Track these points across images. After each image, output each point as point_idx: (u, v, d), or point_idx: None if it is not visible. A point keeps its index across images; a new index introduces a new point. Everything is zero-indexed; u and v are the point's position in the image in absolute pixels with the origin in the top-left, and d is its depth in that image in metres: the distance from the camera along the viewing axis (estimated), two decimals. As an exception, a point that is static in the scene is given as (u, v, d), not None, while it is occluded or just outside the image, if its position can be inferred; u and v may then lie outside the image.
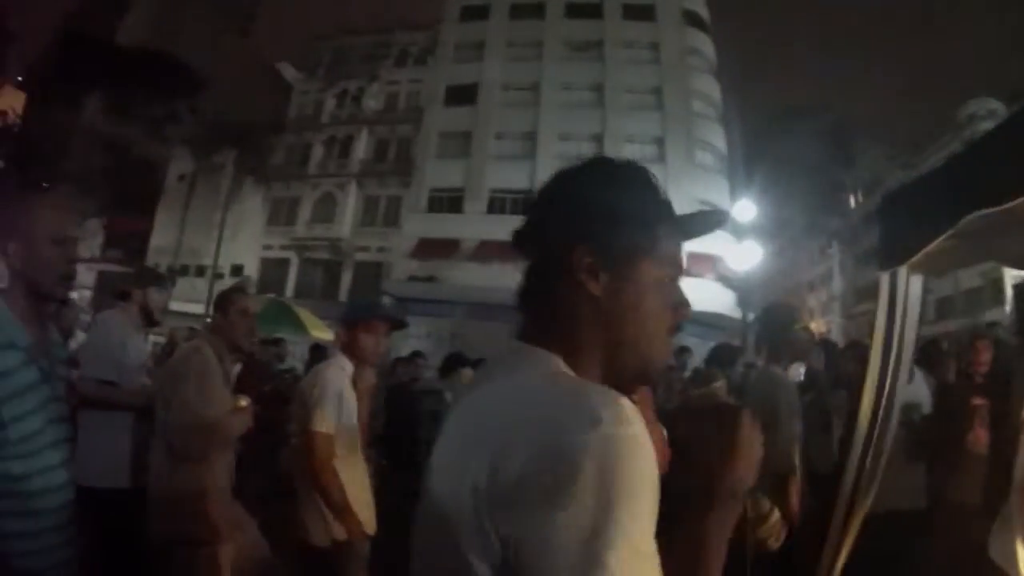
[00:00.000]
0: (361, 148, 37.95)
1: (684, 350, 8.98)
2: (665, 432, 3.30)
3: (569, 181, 1.16)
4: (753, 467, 1.13)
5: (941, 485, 4.68)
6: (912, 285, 2.88)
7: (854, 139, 39.80)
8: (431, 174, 34.85)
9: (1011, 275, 23.53)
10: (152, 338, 8.89)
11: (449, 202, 34.09)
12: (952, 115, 41.42)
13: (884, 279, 2.93)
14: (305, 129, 39.69)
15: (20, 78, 40.92)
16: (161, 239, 39.92)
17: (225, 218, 35.75)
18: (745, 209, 19.73)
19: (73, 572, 2.19)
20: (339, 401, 3.49)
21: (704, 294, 23.91)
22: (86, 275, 32.83)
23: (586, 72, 35.21)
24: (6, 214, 2.21)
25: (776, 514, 3.82)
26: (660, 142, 33.09)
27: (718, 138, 34.87)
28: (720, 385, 4.56)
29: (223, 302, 3.69)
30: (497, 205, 32.71)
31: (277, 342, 10.17)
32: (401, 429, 6.83)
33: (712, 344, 7.67)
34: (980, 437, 4.60)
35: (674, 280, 1.16)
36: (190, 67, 39.57)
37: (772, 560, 3.56)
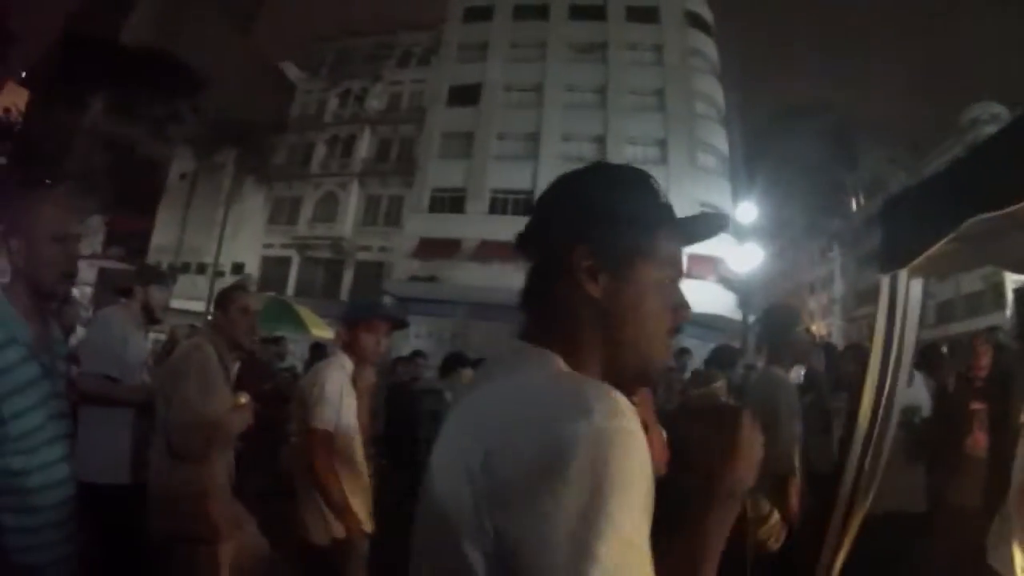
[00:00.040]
0: (363, 148, 37.93)
1: (684, 351, 8.98)
2: (665, 433, 3.31)
3: (570, 184, 1.18)
4: (753, 467, 1.13)
5: (940, 487, 4.70)
6: (913, 288, 2.88)
7: (856, 140, 39.70)
8: (433, 174, 34.84)
9: (1012, 279, 23.51)
10: (152, 335, 8.91)
11: (451, 202, 34.08)
12: (955, 118, 41.42)
13: (885, 282, 2.93)
14: (308, 128, 39.68)
15: (23, 74, 40.98)
16: (162, 237, 39.95)
17: (226, 216, 35.74)
18: (747, 211, 19.74)
19: (73, 568, 2.20)
20: (339, 400, 3.49)
21: (705, 296, 23.89)
22: (87, 272, 32.82)
23: (589, 73, 35.19)
24: (8, 211, 2.22)
25: (776, 515, 3.82)
26: (662, 144, 33.07)
27: (720, 140, 34.85)
28: (720, 385, 4.56)
29: (224, 300, 3.69)
30: (499, 205, 32.74)
31: (277, 340, 10.18)
32: (401, 428, 6.84)
33: (712, 346, 7.68)
34: (979, 440, 4.62)
35: (674, 282, 1.17)
36: (192, 67, 39.61)
37: (772, 561, 3.56)
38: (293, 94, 42.21)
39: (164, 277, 4.44)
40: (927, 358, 5.33)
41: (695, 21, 36.99)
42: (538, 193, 1.21)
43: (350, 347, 3.72)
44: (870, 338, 3.03)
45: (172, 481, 3.24)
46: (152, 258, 35.45)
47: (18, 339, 2.06)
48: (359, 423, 3.69)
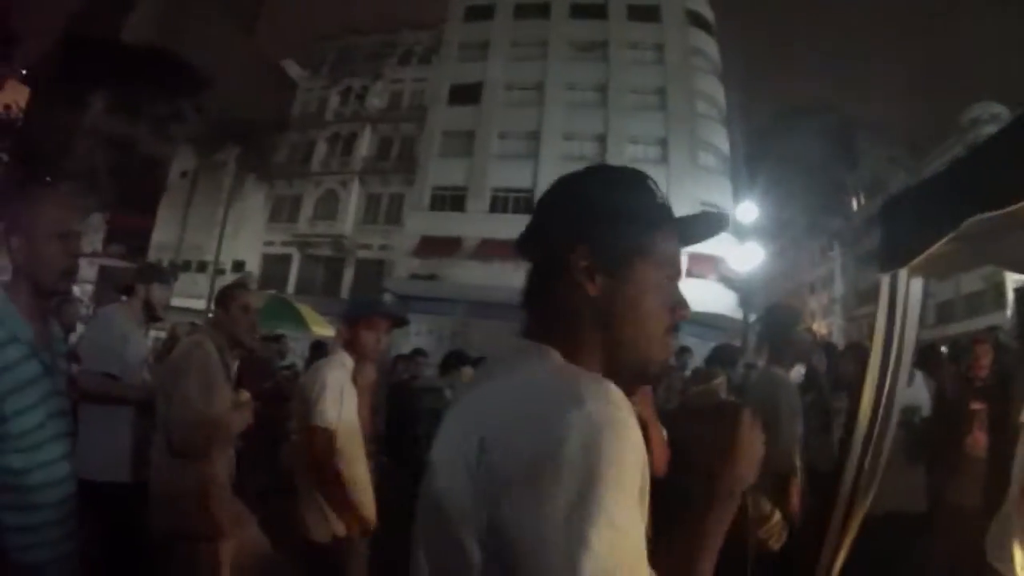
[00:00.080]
0: (364, 146, 37.93)
1: (685, 350, 8.98)
2: (665, 433, 3.31)
3: (568, 185, 1.19)
4: (754, 465, 1.14)
5: (940, 487, 4.70)
6: (913, 287, 2.88)
7: (857, 140, 39.65)
8: (434, 172, 34.86)
9: (1012, 279, 23.52)
10: (153, 333, 8.91)
11: (452, 200, 34.10)
12: (955, 118, 41.37)
13: (885, 281, 2.93)
14: (309, 126, 39.67)
15: (24, 72, 40.94)
16: (163, 235, 39.96)
17: (227, 214, 35.72)
18: (747, 210, 19.73)
19: (73, 566, 2.20)
20: (340, 397, 3.49)
21: (705, 295, 23.92)
22: (88, 270, 32.89)
23: (590, 72, 35.19)
24: (9, 209, 2.22)
25: (777, 515, 3.82)
26: (663, 143, 33.06)
27: (721, 139, 34.85)
28: (720, 382, 4.56)
29: (224, 298, 3.69)
30: (499, 204, 32.78)
31: (278, 338, 10.19)
32: (401, 426, 6.84)
33: (713, 344, 7.67)
34: (979, 440, 4.62)
35: (673, 281, 1.18)
36: (194, 65, 39.52)
37: (773, 560, 3.57)
38: (294, 92, 42.23)
39: (166, 275, 4.44)
40: (927, 358, 5.33)
41: (696, 20, 36.98)
42: (539, 192, 1.22)
43: (351, 345, 3.72)
44: (870, 337, 3.03)
45: (173, 479, 3.24)
46: (153, 256, 35.47)
47: (19, 337, 2.06)
48: (360, 421, 3.69)
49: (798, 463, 4.02)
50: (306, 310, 14.64)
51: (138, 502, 3.34)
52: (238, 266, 36.54)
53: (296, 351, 12.28)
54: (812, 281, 61.16)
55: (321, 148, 38.75)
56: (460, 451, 0.96)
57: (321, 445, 3.39)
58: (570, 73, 35.21)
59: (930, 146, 42.49)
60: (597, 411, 0.89)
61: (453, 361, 7.58)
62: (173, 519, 3.21)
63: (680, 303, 1.17)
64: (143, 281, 4.21)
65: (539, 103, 34.88)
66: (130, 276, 4.36)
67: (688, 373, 7.09)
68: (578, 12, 36.72)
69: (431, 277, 31.01)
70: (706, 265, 26.40)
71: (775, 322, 4.51)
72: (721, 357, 6.59)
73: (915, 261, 2.69)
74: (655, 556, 0.94)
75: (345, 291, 33.73)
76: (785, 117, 38.69)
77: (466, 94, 35.77)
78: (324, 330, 13.40)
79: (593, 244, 1.10)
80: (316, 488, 3.42)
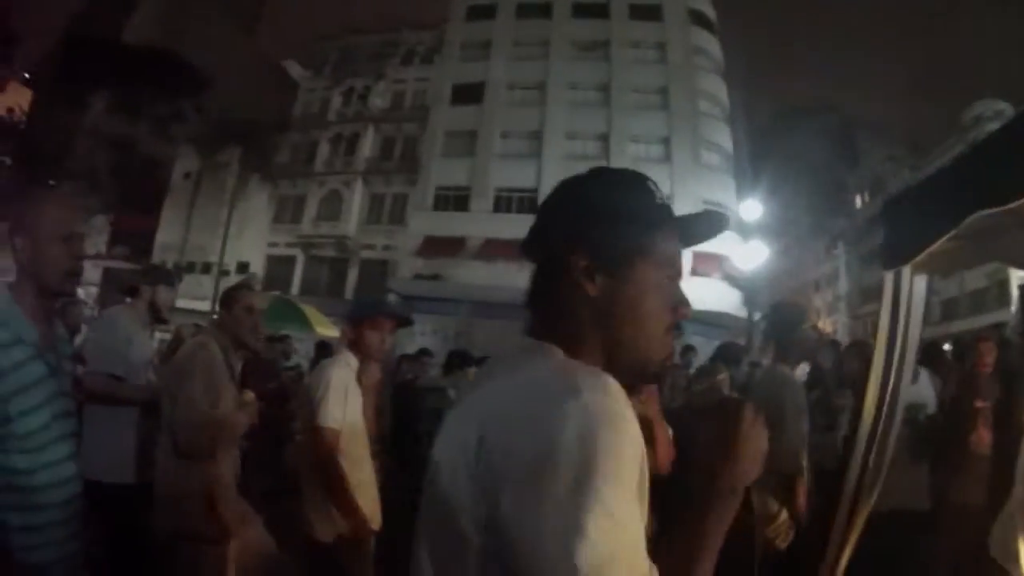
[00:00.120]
0: (367, 146, 37.90)
1: (689, 349, 8.99)
2: (671, 431, 3.31)
3: (569, 188, 1.22)
4: (756, 461, 1.14)
5: (944, 485, 4.69)
6: (916, 285, 2.88)
7: (860, 139, 39.66)
8: (437, 172, 34.83)
9: (1017, 276, 23.51)
10: (158, 335, 8.92)
11: (455, 200, 34.06)
12: (958, 116, 41.33)
13: (888, 278, 2.93)
14: (311, 127, 39.66)
15: (27, 75, 41.03)
16: (167, 236, 39.93)
17: (231, 215, 35.74)
18: (751, 208, 19.69)
19: (78, 566, 2.21)
20: (344, 397, 3.49)
21: (710, 293, 23.89)
22: (92, 271, 32.87)
23: (592, 72, 35.15)
24: (13, 211, 2.23)
25: (784, 514, 3.82)
26: (666, 142, 33.01)
27: (724, 138, 34.76)
28: (723, 378, 4.56)
29: (228, 299, 3.69)
30: (503, 204, 32.74)
31: (283, 339, 10.19)
32: (405, 426, 6.84)
33: (717, 343, 7.67)
34: (983, 438, 4.60)
35: (673, 281, 1.19)
36: (196, 66, 39.57)
37: (779, 558, 3.57)
38: (296, 93, 42.20)
39: (171, 277, 4.45)
40: (932, 355, 5.32)
41: (699, 19, 36.93)
42: (542, 191, 1.24)
43: (355, 345, 3.73)
44: (874, 335, 3.03)
45: (177, 480, 3.24)
46: (157, 257, 35.43)
47: (24, 338, 2.07)
48: (364, 421, 3.70)
49: (804, 463, 4.02)
50: (310, 311, 14.65)
51: (143, 503, 3.35)
52: (242, 267, 36.53)
53: (300, 352, 12.30)
54: (816, 279, 61.11)
55: (324, 148, 38.74)
56: (461, 450, 0.97)
57: (326, 445, 3.39)
58: (572, 72, 35.17)
59: (932, 145, 42.46)
60: (594, 403, 0.90)
61: (456, 361, 7.58)
62: (178, 520, 3.21)
63: (681, 302, 1.19)
64: (148, 283, 4.23)
65: (541, 102, 34.85)
66: (135, 278, 4.37)
67: (692, 371, 7.10)
68: (580, 11, 36.66)
69: (435, 277, 30.99)
70: (710, 263, 26.37)
71: (781, 320, 4.50)
72: (725, 355, 6.59)
73: (918, 258, 2.69)
74: (657, 556, 0.94)
75: (349, 291, 33.72)
76: (786, 117, 38.74)
77: (468, 94, 35.74)
78: (328, 331, 13.41)
79: (592, 245, 1.12)
80: (321, 488, 3.42)
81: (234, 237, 35.67)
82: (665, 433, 3.35)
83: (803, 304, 11.25)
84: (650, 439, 2.71)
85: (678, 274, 1.20)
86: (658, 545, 1.01)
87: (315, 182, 38.01)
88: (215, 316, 4.34)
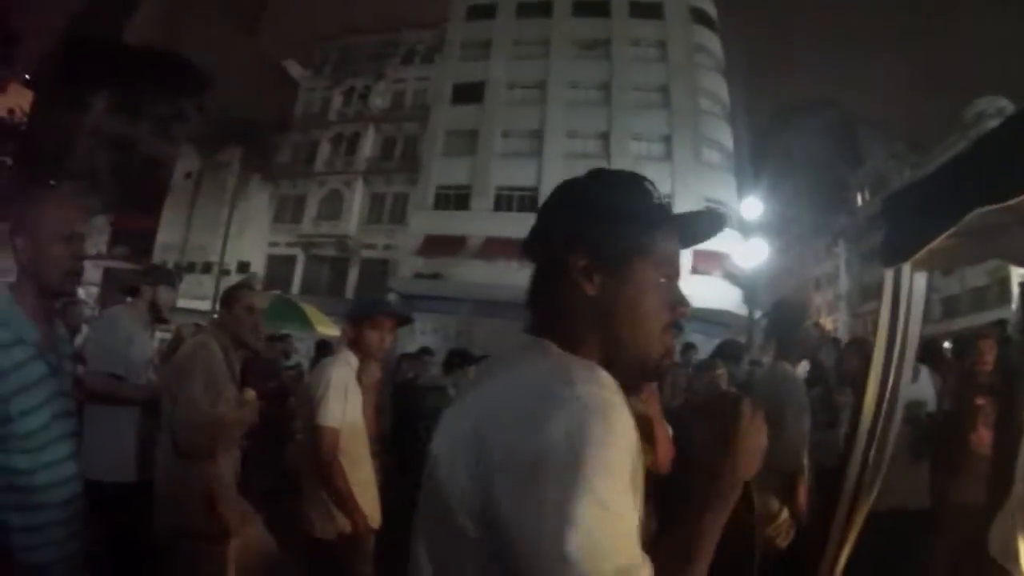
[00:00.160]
0: (368, 146, 37.90)
1: (689, 347, 8.97)
2: (671, 430, 3.31)
3: (568, 189, 1.23)
4: (756, 457, 1.13)
5: (944, 484, 4.68)
6: (916, 282, 2.88)
7: (859, 137, 39.67)
8: (437, 172, 34.85)
9: (1017, 273, 23.50)
10: (158, 335, 8.93)
11: (455, 199, 34.08)
12: (959, 114, 41.31)
13: (888, 276, 2.92)
14: (312, 127, 39.66)
15: (27, 76, 41.04)
16: (168, 236, 39.92)
17: (231, 215, 35.73)
18: (752, 206, 19.68)
19: (79, 566, 2.21)
20: (344, 396, 3.49)
21: (710, 291, 23.86)
22: (93, 271, 32.85)
23: (593, 70, 35.14)
24: (14, 211, 2.23)
25: (784, 513, 3.82)
26: (667, 140, 32.99)
27: (725, 136, 34.76)
28: (721, 373, 4.55)
29: (229, 298, 3.70)
30: (503, 202, 32.73)
31: (283, 338, 10.20)
32: (405, 425, 6.84)
33: (717, 341, 7.66)
34: (983, 436, 4.59)
35: (672, 280, 1.19)
36: (196, 66, 39.56)
37: (780, 557, 3.57)
38: (297, 93, 42.19)
39: (172, 277, 4.46)
40: (932, 353, 5.31)
41: (699, 17, 36.91)
42: (543, 190, 1.25)
43: (355, 344, 3.73)
44: (874, 332, 3.03)
45: (178, 479, 3.25)
46: (157, 257, 35.44)
47: (24, 338, 2.07)
48: (365, 420, 3.70)
49: (805, 461, 4.01)
50: (311, 310, 14.64)
51: (143, 502, 3.36)
52: (243, 267, 36.51)
53: (301, 351, 12.29)
54: (817, 277, 61.08)
55: (324, 148, 38.74)
56: (459, 445, 0.98)
57: (326, 444, 3.39)
58: (573, 71, 35.18)
59: (933, 142, 42.44)
60: (586, 394, 0.92)
61: (457, 359, 7.58)
62: (178, 519, 3.22)
63: (679, 301, 1.19)
64: (148, 283, 4.24)
65: (542, 101, 34.85)
66: (135, 278, 4.37)
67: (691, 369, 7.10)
68: (580, 10, 36.65)
69: (435, 276, 31.00)
70: (711, 261, 26.35)
71: (782, 317, 4.50)
72: (725, 352, 6.59)
73: (918, 255, 2.69)
74: (654, 553, 0.94)
75: (350, 291, 33.75)
76: (788, 115, 38.73)
77: (469, 93, 35.77)
78: (329, 330, 13.40)
79: (591, 245, 1.13)
80: (321, 486, 3.43)
81: (235, 237, 35.66)
82: (665, 432, 3.34)
83: (804, 302, 11.24)
84: (650, 438, 2.71)
85: (677, 273, 1.21)
86: (656, 543, 1.01)
87: (315, 182, 38.01)
88: (216, 316, 4.34)
